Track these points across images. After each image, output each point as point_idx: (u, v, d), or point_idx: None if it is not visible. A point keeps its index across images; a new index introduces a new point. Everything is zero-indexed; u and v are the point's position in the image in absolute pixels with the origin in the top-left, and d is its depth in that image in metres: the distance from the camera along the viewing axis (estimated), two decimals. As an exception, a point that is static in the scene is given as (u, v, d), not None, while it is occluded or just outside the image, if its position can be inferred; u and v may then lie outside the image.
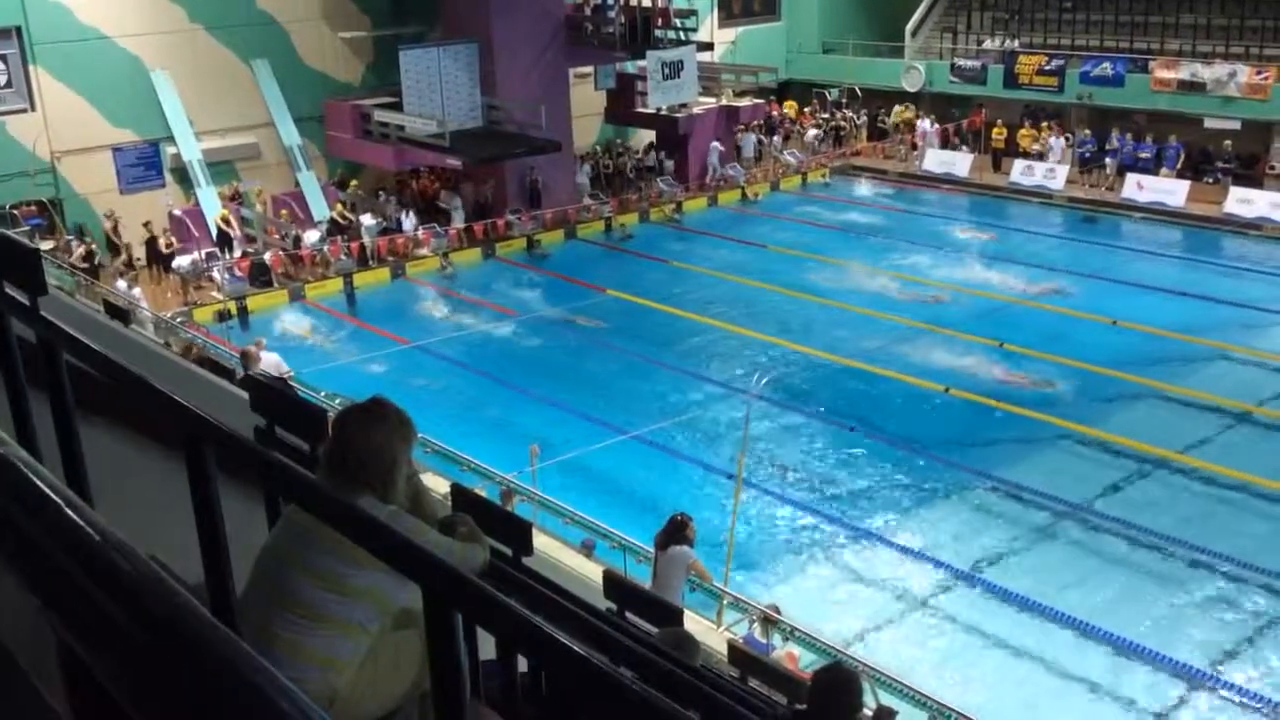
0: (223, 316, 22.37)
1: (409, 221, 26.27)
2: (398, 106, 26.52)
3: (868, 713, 5.29)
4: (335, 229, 25.37)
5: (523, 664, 3.42)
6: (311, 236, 24.87)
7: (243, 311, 22.65)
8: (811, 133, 33.73)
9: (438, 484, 9.83)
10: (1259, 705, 11.00)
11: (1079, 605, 12.53)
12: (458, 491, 5.32)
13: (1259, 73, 27.35)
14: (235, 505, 2.85)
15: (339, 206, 25.92)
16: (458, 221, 26.56)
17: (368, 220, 25.69)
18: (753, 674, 6.06)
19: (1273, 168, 27.62)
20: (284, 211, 25.76)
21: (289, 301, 23.54)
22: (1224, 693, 11.25)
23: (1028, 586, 12.96)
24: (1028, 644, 12.07)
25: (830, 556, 13.98)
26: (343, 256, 24.69)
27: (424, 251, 25.95)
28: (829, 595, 13.18)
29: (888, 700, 7.90)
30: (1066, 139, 30.22)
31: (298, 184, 26.69)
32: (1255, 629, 12.19)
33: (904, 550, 13.98)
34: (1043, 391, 18.05)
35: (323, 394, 15.95)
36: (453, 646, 2.24)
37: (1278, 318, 20.89)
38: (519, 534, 4.20)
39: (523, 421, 17.40)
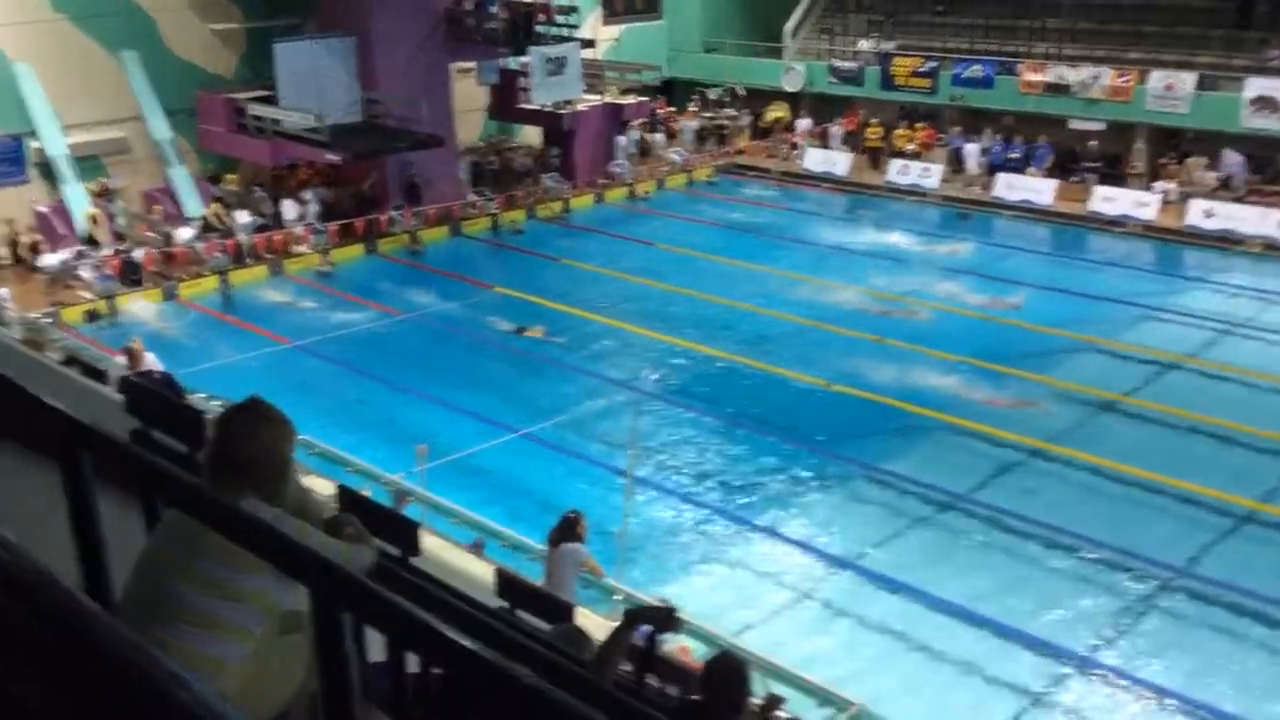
0: (93, 316, 21.61)
1: (291, 211, 25.74)
2: (273, 100, 25.95)
3: (757, 701, 5.37)
4: (209, 226, 24.70)
5: (412, 666, 3.39)
6: (184, 234, 24.17)
7: (113, 311, 21.90)
8: (688, 125, 33.86)
9: (322, 486, 9.66)
10: (1132, 685, 11.47)
11: (959, 591, 12.90)
12: (343, 493, 5.25)
13: (1121, 76, 28.47)
14: (112, 512, 2.76)
15: (214, 205, 25.23)
16: (310, 217, 26.00)
17: (243, 217, 25.06)
18: (646, 668, 6.10)
19: (1134, 167, 28.80)
20: (155, 207, 24.96)
21: (162, 300, 22.86)
22: (1098, 673, 11.70)
23: (910, 574, 13.30)
24: (911, 630, 12.38)
25: (721, 550, 14.13)
26: (218, 254, 24.05)
27: (303, 249, 25.44)
28: (720, 588, 13.33)
29: (777, 689, 8.03)
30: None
31: (169, 179, 25.91)
32: (1124, 610, 12.71)
33: (792, 542, 14.21)
34: (921, 384, 18.49)
35: (199, 396, 15.50)
36: (340, 647, 2.21)
37: (1141, 310, 21.78)
38: (406, 534, 4.16)
39: (409, 421, 17.19)
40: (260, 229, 25.20)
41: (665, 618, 4.36)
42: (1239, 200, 26.50)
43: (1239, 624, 12.45)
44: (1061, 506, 14.78)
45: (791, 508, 15.05)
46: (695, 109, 35.33)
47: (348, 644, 2.53)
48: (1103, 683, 11.59)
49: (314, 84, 26.05)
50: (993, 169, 29.77)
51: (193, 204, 25.49)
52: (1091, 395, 18.03)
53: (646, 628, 4.60)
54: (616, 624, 4.58)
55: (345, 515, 3.37)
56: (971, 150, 30.46)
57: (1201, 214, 26.27)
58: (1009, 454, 16.37)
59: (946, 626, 12.43)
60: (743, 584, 13.43)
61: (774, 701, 6.86)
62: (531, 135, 32.72)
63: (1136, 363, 19.53)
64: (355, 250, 26.08)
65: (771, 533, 14.45)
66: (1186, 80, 27.44)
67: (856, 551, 13.92)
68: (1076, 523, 14.27)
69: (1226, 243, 25.64)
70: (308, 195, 26.50)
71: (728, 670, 4.07)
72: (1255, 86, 26.33)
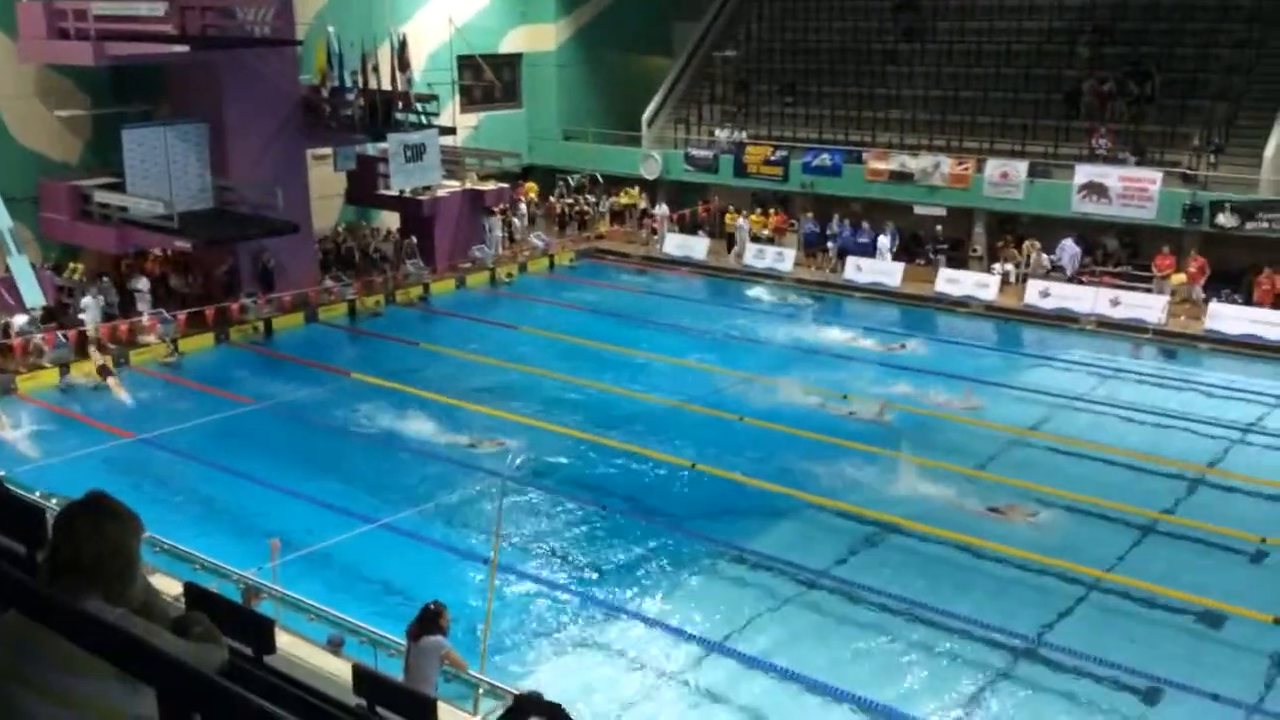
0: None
1: (143, 300, 25.04)
2: (120, 187, 25.29)
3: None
4: (49, 316, 23.74)
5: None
6: (19, 320, 23.20)
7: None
8: (515, 220, 33.91)
9: (169, 585, 9.24)
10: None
11: (824, 668, 13.01)
12: (191, 590, 5.03)
13: (960, 164, 29.96)
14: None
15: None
16: (141, 305, 25.29)
17: (87, 301, 24.17)
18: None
19: (974, 250, 30.19)
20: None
21: (-2, 394, 21.81)
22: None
23: (776, 653, 13.37)
24: (779, 710, 12.41)
25: (589, 635, 13.98)
26: (59, 344, 23.10)
27: (150, 338, 24.63)
28: (589, 673, 13.16)
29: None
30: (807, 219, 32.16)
31: (8, 268, 24.85)
32: (986, 683, 12.99)
33: (660, 625, 14.15)
34: (781, 463, 18.78)
35: (38, 494, 14.74)
36: (191, 752, 2.11)
37: (991, 388, 22.62)
38: (259, 631, 4.00)
39: (262, 515, 16.66)
40: (106, 318, 24.34)
41: (554, 713, 4.27)
42: (1072, 280, 27.98)
43: (1092, 691, 12.85)
44: (917, 580, 15.10)
45: (659, 590, 15.02)
46: (559, 194, 35.72)
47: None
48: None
49: (164, 170, 25.54)
50: (842, 253, 30.81)
51: (32, 294, 24.46)
52: (950, 470, 18.52)
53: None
54: (502, 712, 4.47)
55: (193, 614, 3.24)
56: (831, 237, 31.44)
57: (1039, 294, 27.64)
58: (868, 530, 16.69)
59: (814, 706, 12.51)
60: (612, 669, 13.29)
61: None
62: (390, 221, 32.55)
63: (985, 436, 20.23)
64: (205, 339, 25.38)
65: (640, 616, 14.37)
66: (1020, 168, 29.04)
67: (724, 632, 13.94)
68: (932, 594, 14.59)
69: (1063, 320, 26.98)
70: (143, 283, 25.71)
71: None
72: (1084, 173, 28.02)
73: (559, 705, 4.30)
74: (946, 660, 13.36)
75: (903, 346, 25.56)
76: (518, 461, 16.45)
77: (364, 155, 30.30)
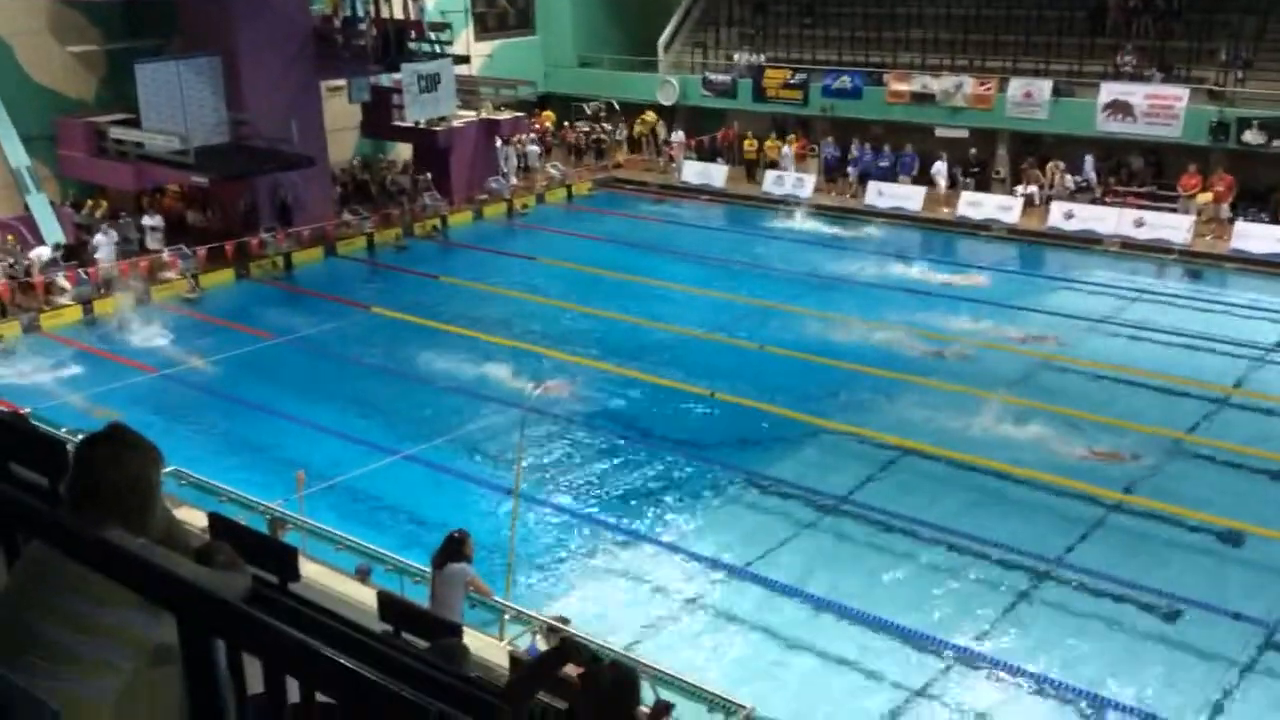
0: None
1: (153, 235, 25.05)
2: (136, 123, 25.18)
3: (645, 709, 5.37)
4: (70, 254, 23.82)
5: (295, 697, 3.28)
6: (42, 253, 23.31)
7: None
8: (532, 148, 33.62)
9: (194, 517, 9.35)
10: (1010, 674, 11.80)
11: (846, 591, 13.12)
12: (215, 520, 5.07)
13: (982, 84, 29.45)
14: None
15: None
16: (152, 243, 25.29)
17: (99, 239, 24.21)
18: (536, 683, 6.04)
19: (997, 173, 29.78)
20: (10, 236, 23.96)
21: (22, 333, 21.94)
22: (979, 664, 12.00)
23: (797, 578, 13.48)
24: (799, 633, 12.54)
25: (611, 562, 14.12)
26: (81, 281, 23.21)
27: (170, 274, 24.69)
28: (612, 600, 13.31)
29: (667, 696, 8.05)
30: (812, 150, 31.81)
31: (26, 207, 24.91)
32: (1004, 605, 13.06)
33: (681, 551, 14.27)
34: (803, 390, 18.77)
35: (64, 429, 14.90)
36: (212, 675, 2.14)
37: (1013, 312, 22.44)
38: (283, 559, 4.03)
39: (286, 448, 16.80)
40: (124, 254, 24.41)
41: (590, 661, 4.26)
42: (1096, 201, 27.61)
43: (1113, 611, 12.91)
44: (937, 503, 15.15)
45: (680, 517, 15.12)
46: (571, 123, 35.37)
47: (220, 672, 2.44)
48: (984, 673, 11.89)
49: (178, 106, 25.37)
50: (863, 177, 30.46)
51: (52, 231, 24.54)
52: (968, 394, 18.45)
53: (533, 645, 4.54)
54: (545, 652, 4.46)
55: (217, 543, 3.26)
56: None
57: (1062, 216, 27.30)
58: (887, 454, 16.71)
59: (834, 627, 12.63)
60: (634, 595, 13.44)
61: (663, 708, 6.85)
62: (406, 153, 32.35)
63: (1011, 361, 20.13)
64: (226, 275, 25.42)
65: (661, 543, 14.49)
66: (1044, 87, 28.52)
67: (745, 558, 14.04)
68: (951, 518, 14.65)
69: (1087, 242, 26.68)
70: (153, 220, 25.68)
71: (614, 680, 4.05)
72: (1109, 91, 27.51)
73: (593, 656, 4.27)
74: (968, 583, 13.43)
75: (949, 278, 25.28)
76: (537, 392, 16.47)
77: (378, 86, 30.02)
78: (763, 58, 33.86)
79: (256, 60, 26.18)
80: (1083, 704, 11.32)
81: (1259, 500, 15.25)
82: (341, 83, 29.42)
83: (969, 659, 12.06)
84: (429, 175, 30.25)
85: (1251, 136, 25.84)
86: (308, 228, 27.02)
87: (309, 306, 23.94)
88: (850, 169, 30.94)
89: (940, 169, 29.13)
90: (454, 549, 10.19)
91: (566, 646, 4.44)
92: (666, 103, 34.64)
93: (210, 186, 25.59)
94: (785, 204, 30.48)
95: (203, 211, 27.28)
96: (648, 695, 7.07)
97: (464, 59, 30.72)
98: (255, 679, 2.67)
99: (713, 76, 34.05)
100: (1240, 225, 25.58)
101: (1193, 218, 26.18)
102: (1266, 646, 12.18)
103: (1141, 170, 28.20)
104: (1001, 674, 11.83)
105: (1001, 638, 12.45)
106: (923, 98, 30.14)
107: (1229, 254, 25.33)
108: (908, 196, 29.47)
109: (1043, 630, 12.57)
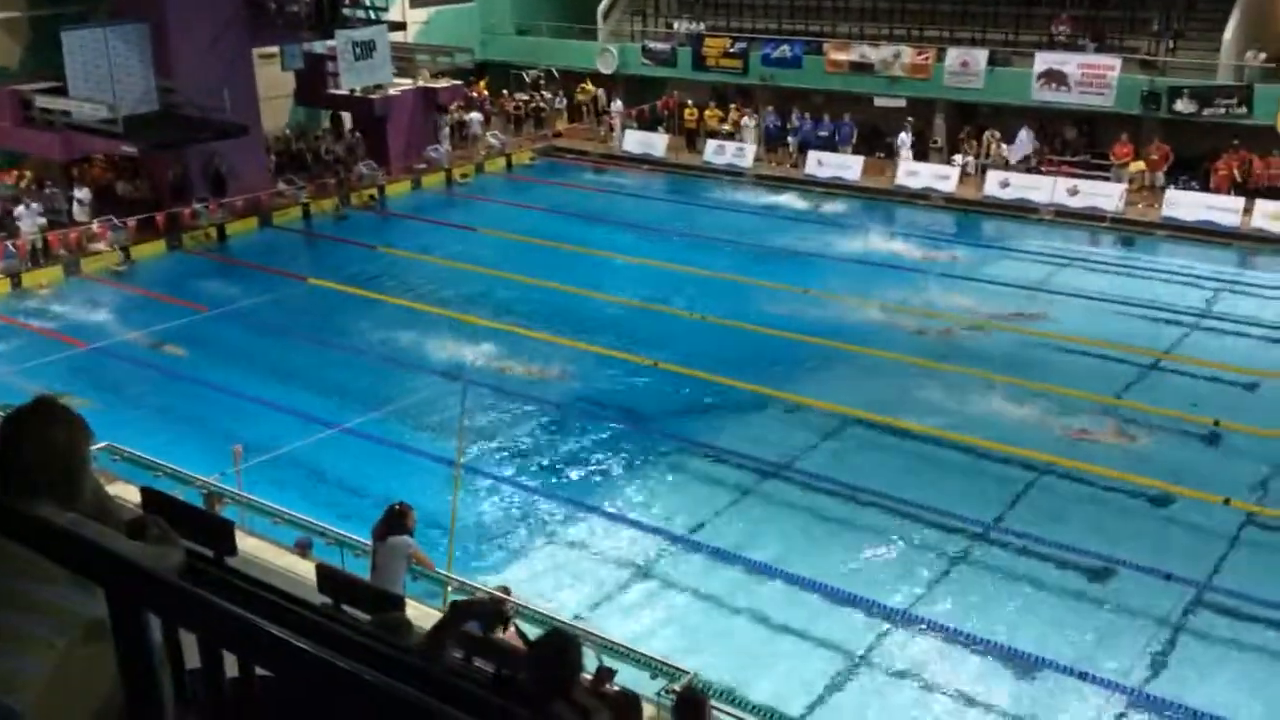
0: None
1: (81, 207, 24.47)
2: (63, 91, 24.55)
3: (587, 676, 5.38)
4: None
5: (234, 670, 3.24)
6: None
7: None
8: (473, 115, 33.35)
9: (128, 492, 9.19)
10: (947, 635, 12.01)
11: (785, 557, 13.26)
12: (148, 495, 4.99)
13: (920, 53, 29.61)
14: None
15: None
16: (81, 214, 24.75)
17: (20, 210, 23.60)
18: (478, 655, 6.03)
19: (934, 142, 30.01)
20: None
21: (-55, 307, 21.41)
22: (917, 626, 12.20)
23: (739, 544, 13.59)
24: (742, 599, 12.65)
25: (554, 532, 14.12)
26: (8, 254, 22.63)
27: (100, 246, 24.16)
28: (555, 569, 13.32)
29: (610, 663, 8.09)
30: (754, 118, 31.81)
31: (-52, 177, 24.24)
32: (941, 569, 13.27)
33: (624, 520, 14.31)
34: (743, 360, 18.85)
35: (-8, 405, 14.55)
36: (145, 650, 2.09)
37: (939, 279, 22.65)
38: (218, 533, 3.98)
39: (223, 422, 16.55)
40: (53, 226, 23.84)
41: (493, 613, 4.29)
42: (1031, 171, 27.95)
43: (1047, 573, 13.17)
44: (876, 469, 15.34)
45: (623, 486, 15.16)
46: (510, 91, 35.04)
47: (154, 647, 2.40)
48: (923, 635, 12.08)
49: (106, 73, 24.77)
50: (803, 147, 30.55)
51: (-26, 202, 23.92)
52: (904, 361, 18.67)
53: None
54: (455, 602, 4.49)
55: (150, 517, 3.20)
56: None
57: (998, 185, 27.61)
58: (827, 421, 16.86)
59: (776, 592, 12.75)
60: (577, 564, 13.46)
61: (604, 675, 6.88)
62: (344, 121, 31.84)
63: (940, 331, 20.36)
64: (157, 246, 24.93)
65: (603, 512, 14.51)
66: (980, 57, 28.75)
67: (687, 525, 14.12)
68: (889, 484, 14.83)
69: (1022, 210, 27.01)
70: (80, 193, 25.10)
71: (555, 648, 4.05)
72: (1043, 61, 27.80)
73: (496, 605, 4.31)
74: (907, 547, 13.62)
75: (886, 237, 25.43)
76: (478, 363, 16.38)
77: (312, 54, 29.51)
78: (702, 26, 33.74)
79: (186, 27, 25.63)
80: (1019, 664, 11.54)
81: (1189, 463, 15.61)
82: (274, 50, 28.88)
83: (908, 621, 12.25)
84: (362, 142, 29.83)
85: (1182, 106, 26.27)
86: (241, 198, 26.57)
87: (244, 278, 23.57)
88: (790, 138, 31.02)
89: (905, 139, 29.22)
90: (395, 521, 10.14)
91: (457, 608, 4.45)
92: (606, 71, 34.43)
93: (140, 156, 25.12)
94: (726, 174, 30.50)
95: (132, 181, 26.69)
96: (590, 663, 7.10)
97: (400, 25, 30.31)
98: (194, 655, 2.63)
99: (652, 45, 33.89)
100: (1171, 193, 26.04)
101: (1124, 186, 26.60)
102: (1197, 605, 12.51)
103: (1075, 140, 28.57)
104: (940, 636, 12.03)
105: (940, 600, 12.66)
106: (861, 67, 30.24)
107: (1160, 221, 25.79)
108: (847, 166, 29.62)
109: (980, 592, 12.80)
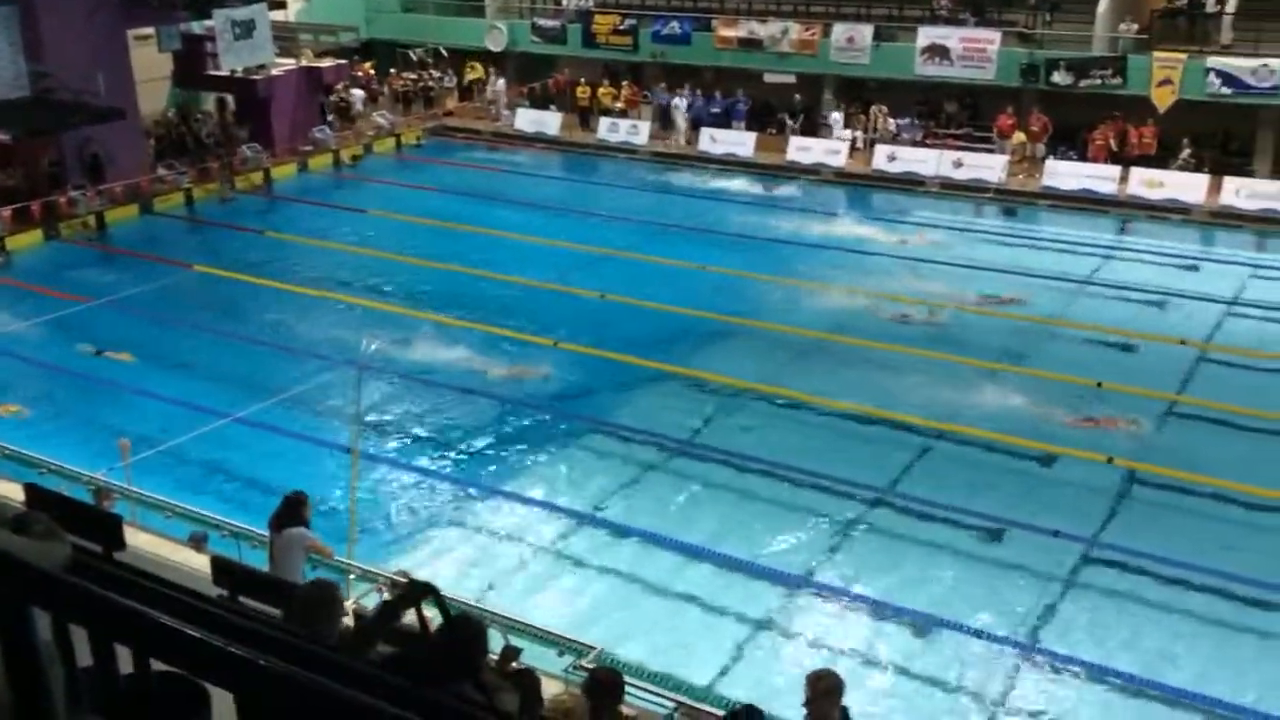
0: None
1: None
2: (-76, 76, 23.46)
3: (493, 656, 5.38)
4: None
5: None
6: None
7: None
8: (355, 93, 32.82)
9: (11, 490, 8.89)
10: (848, 600, 12.28)
11: (688, 530, 13.40)
12: (31, 491, 4.84)
13: (807, 29, 29.94)
14: None
15: None
16: None
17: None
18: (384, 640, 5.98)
19: (824, 118, 30.40)
20: None
21: None
22: (819, 592, 12.44)
23: (643, 520, 13.69)
24: (647, 574, 12.76)
25: (455, 515, 14.05)
26: None
27: (-27, 238, 23.22)
28: (457, 552, 13.26)
29: (516, 642, 8.10)
30: (645, 96, 31.84)
31: None
32: (839, 536, 13.55)
33: (527, 500, 14.30)
34: (642, 337, 18.92)
35: None
36: (31, 646, 2.03)
37: (836, 254, 23.03)
38: (106, 528, 3.88)
39: (110, 415, 16.08)
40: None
41: (422, 596, 4.23)
42: (917, 144, 28.51)
43: (941, 535, 13.53)
44: (773, 441, 15.57)
45: (524, 467, 15.13)
46: (397, 70, 34.47)
47: (42, 644, 2.34)
48: (821, 600, 12.34)
49: (-29, 57, 23.71)
50: (696, 124, 30.67)
51: None
52: (797, 335, 18.97)
53: (375, 598, 4.48)
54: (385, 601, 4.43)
55: (34, 512, 3.10)
56: (679, 105, 30.96)
57: (885, 159, 28.10)
58: (726, 396, 17.05)
59: (680, 565, 12.89)
60: (481, 545, 13.42)
61: (510, 654, 6.90)
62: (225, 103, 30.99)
63: (841, 300, 20.68)
64: (34, 236, 24.04)
65: (505, 493, 14.48)
66: (865, 32, 29.18)
67: (591, 504, 14.17)
68: (788, 454, 15.08)
69: (910, 183, 27.55)
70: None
71: (461, 630, 4.03)
72: (926, 35, 28.33)
73: (427, 588, 4.29)
74: (805, 516, 13.85)
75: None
76: (373, 347, 16.13)
77: (189, 34, 28.65)
78: (591, 2, 33.60)
79: (56, 8, 24.65)
80: (915, 624, 11.85)
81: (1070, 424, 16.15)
82: (150, 31, 27.97)
83: (808, 588, 12.49)
84: (242, 123, 29.12)
85: (1060, 77, 27.04)
86: (120, 184, 25.75)
87: (127, 267, 22.86)
88: (682, 115, 31.11)
89: (837, 118, 29.35)
90: (291, 511, 9.95)
91: (409, 591, 4.42)
92: (495, 49, 34.09)
93: (12, 143, 24.13)
94: (619, 152, 30.50)
95: (5, 170, 25.63)
96: (496, 643, 7.10)
97: (279, 4, 29.57)
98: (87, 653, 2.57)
99: (541, 22, 33.67)
100: (1050, 164, 26.82)
101: (1007, 158, 27.31)
102: (1085, 561, 12.98)
103: (958, 113, 29.22)
104: (838, 600, 12.29)
105: (838, 566, 12.93)
106: (751, 43, 30.47)
107: (1040, 191, 26.55)
108: (740, 142, 29.85)
109: (876, 556, 13.11)
